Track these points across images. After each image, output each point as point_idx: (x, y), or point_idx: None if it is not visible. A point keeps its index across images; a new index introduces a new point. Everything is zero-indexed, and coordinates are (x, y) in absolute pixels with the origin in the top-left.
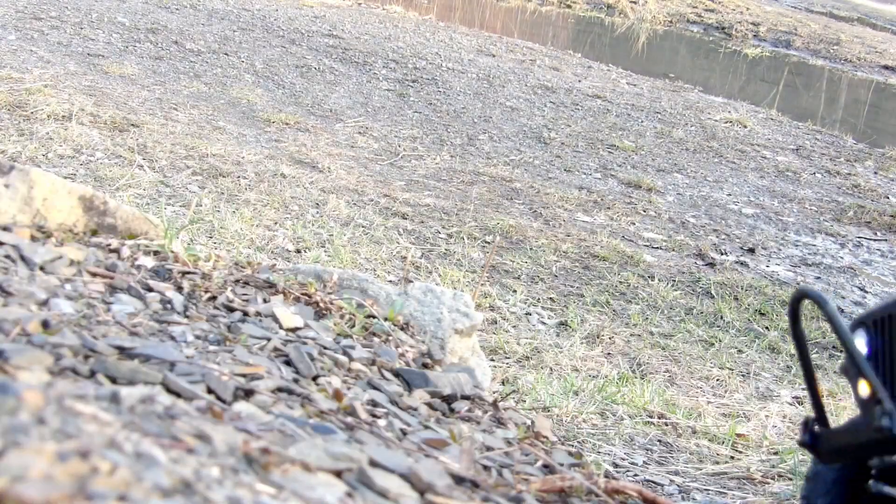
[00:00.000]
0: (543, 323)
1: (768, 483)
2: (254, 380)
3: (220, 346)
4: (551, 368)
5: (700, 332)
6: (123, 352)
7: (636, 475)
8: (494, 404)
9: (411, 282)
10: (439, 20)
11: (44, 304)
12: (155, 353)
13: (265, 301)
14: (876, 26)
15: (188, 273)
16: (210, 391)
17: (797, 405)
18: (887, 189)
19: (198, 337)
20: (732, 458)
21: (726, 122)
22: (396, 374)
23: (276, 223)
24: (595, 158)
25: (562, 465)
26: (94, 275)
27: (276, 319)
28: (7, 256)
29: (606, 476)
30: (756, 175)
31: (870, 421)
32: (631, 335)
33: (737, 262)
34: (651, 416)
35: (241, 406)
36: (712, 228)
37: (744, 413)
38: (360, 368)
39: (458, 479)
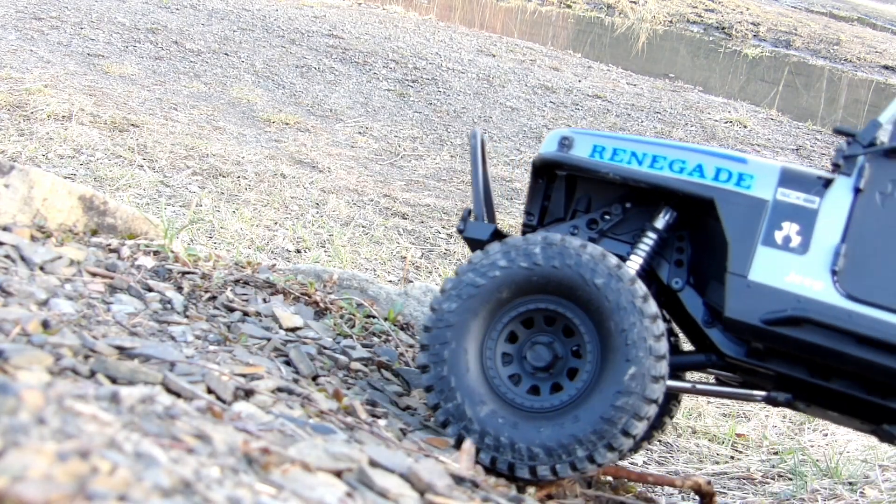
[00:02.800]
0: None
1: (768, 483)
2: (254, 380)
3: (220, 346)
4: None
5: None
6: (123, 352)
7: None
8: None
9: (411, 282)
10: (439, 20)
11: (44, 304)
12: (155, 353)
13: (265, 301)
14: (876, 26)
15: (188, 273)
16: (210, 391)
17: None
18: None
19: (198, 337)
20: (732, 458)
21: (726, 122)
22: (396, 374)
23: (276, 223)
24: None
25: None
26: (94, 275)
27: (276, 319)
28: (7, 256)
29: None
30: None
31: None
32: None
33: None
34: None
35: (241, 406)
36: None
37: (744, 413)
38: (360, 368)
39: (458, 479)
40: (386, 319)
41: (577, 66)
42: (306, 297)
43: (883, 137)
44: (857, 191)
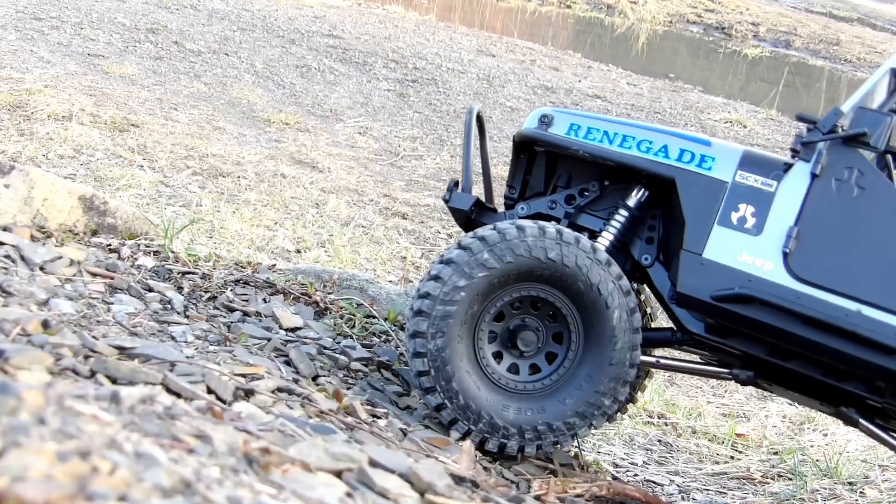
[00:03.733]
0: None
1: (768, 483)
2: (254, 380)
3: (220, 346)
4: None
5: None
6: (123, 352)
7: (636, 475)
8: None
9: (411, 282)
10: (439, 20)
11: (44, 304)
12: (155, 353)
13: (265, 301)
14: (876, 26)
15: (188, 273)
16: (210, 391)
17: (797, 405)
18: None
19: (198, 337)
20: (732, 458)
21: (726, 122)
22: (396, 374)
23: (276, 223)
24: None
25: (563, 465)
26: (94, 275)
27: (276, 319)
28: (7, 256)
29: (612, 478)
30: None
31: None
32: None
33: None
34: (651, 416)
35: (241, 406)
36: None
37: (744, 413)
38: (360, 368)
39: (458, 479)
40: (386, 319)
41: (577, 67)
42: (306, 297)
43: (843, 125)
44: (813, 176)
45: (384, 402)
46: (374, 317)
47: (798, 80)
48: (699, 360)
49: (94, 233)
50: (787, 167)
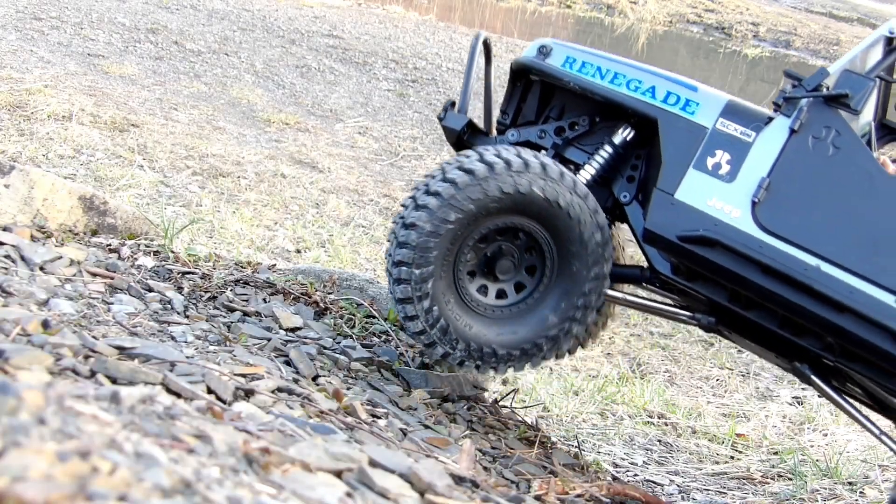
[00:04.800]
0: None
1: (768, 483)
2: (254, 380)
3: (220, 346)
4: (551, 368)
5: (699, 332)
6: (123, 352)
7: (636, 475)
8: (494, 404)
9: None
10: (439, 20)
11: (44, 304)
12: (155, 353)
13: (265, 301)
14: (876, 26)
15: (188, 273)
16: (210, 391)
17: (797, 405)
18: None
19: (198, 337)
20: (732, 458)
21: None
22: (396, 374)
23: (276, 223)
24: None
25: (563, 465)
26: (94, 275)
27: (276, 319)
28: (7, 256)
29: (612, 479)
30: None
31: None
32: (631, 335)
33: None
34: (651, 416)
35: (241, 406)
36: None
37: (744, 413)
38: (360, 368)
39: (458, 479)
40: (386, 319)
41: None
42: (306, 297)
43: (828, 85)
44: (791, 131)
45: (384, 402)
46: (374, 317)
47: None
48: (666, 303)
49: (94, 233)
50: (769, 121)
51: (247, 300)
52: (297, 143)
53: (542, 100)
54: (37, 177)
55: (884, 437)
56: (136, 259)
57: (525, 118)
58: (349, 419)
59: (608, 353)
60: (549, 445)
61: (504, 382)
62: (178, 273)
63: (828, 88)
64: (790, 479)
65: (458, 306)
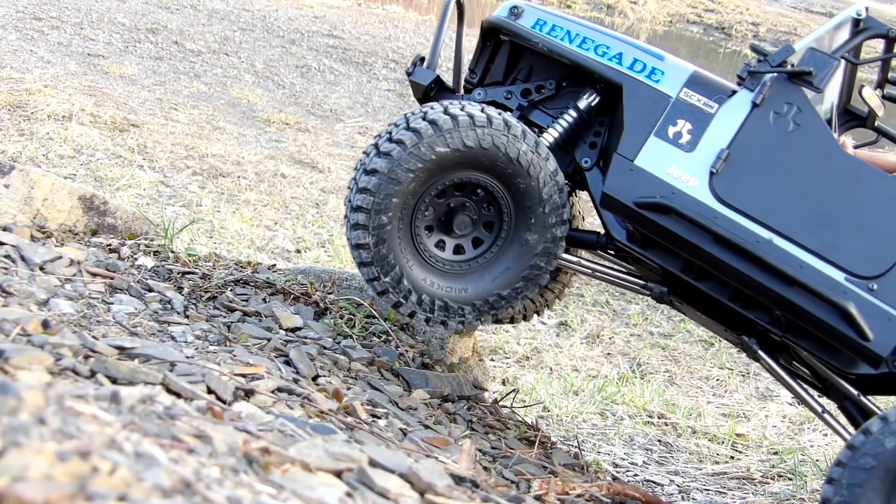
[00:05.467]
0: (543, 323)
1: (768, 483)
2: (254, 380)
3: (220, 346)
4: (551, 368)
5: (700, 332)
6: (123, 352)
7: (636, 475)
8: (494, 404)
9: None
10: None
11: (44, 304)
12: (155, 353)
13: (265, 301)
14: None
15: (188, 273)
16: (210, 391)
17: (797, 405)
18: None
19: (198, 337)
20: (732, 458)
21: None
22: (396, 374)
23: (276, 223)
24: None
25: (562, 465)
26: (94, 275)
27: (276, 319)
28: (7, 256)
29: (612, 479)
30: None
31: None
32: (631, 335)
33: None
34: (651, 416)
35: (241, 406)
36: None
37: (744, 413)
38: (360, 368)
39: (458, 479)
40: (386, 319)
41: None
42: (306, 297)
43: (792, 62)
44: (754, 105)
45: (384, 402)
46: (374, 317)
47: None
48: (621, 270)
49: (94, 233)
50: (732, 93)
51: (247, 300)
52: (297, 143)
53: (511, 61)
54: (37, 177)
55: (826, 416)
56: (136, 259)
57: (493, 78)
58: (349, 419)
59: (608, 353)
60: (549, 445)
61: (504, 383)
62: (178, 273)
63: (792, 65)
64: (790, 479)
65: (413, 257)
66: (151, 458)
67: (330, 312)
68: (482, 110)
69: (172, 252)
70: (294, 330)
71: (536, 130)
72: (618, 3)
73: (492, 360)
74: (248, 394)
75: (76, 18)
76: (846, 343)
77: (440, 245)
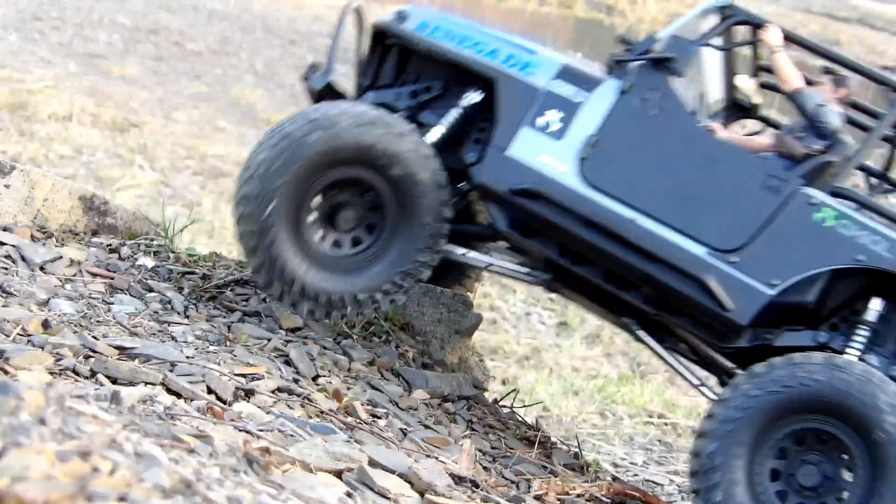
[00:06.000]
0: (543, 323)
1: None
2: (254, 380)
3: (220, 346)
4: (551, 368)
5: None
6: (123, 352)
7: (636, 475)
8: (494, 404)
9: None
10: None
11: (44, 304)
12: (155, 353)
13: (265, 301)
14: (876, 27)
15: (188, 273)
16: (210, 391)
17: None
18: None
19: (198, 337)
20: None
21: None
22: (396, 374)
23: None
24: None
25: (562, 465)
26: (94, 275)
27: (276, 319)
28: (7, 256)
29: (612, 479)
30: None
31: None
32: None
33: None
34: (651, 416)
35: (242, 406)
36: None
37: None
38: (360, 368)
39: (458, 479)
40: (386, 319)
41: None
42: None
43: (657, 51)
44: (621, 93)
45: (384, 402)
46: (374, 317)
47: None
48: (513, 262)
49: (94, 233)
50: (601, 83)
51: (247, 300)
52: None
53: (400, 64)
54: (37, 177)
55: (702, 388)
56: (136, 259)
57: (383, 81)
58: (349, 419)
59: (608, 353)
60: (549, 445)
61: (504, 383)
62: (178, 273)
63: (656, 53)
64: None
65: (298, 249)
66: (152, 458)
67: None
68: (365, 109)
69: (172, 252)
70: (294, 330)
71: (426, 130)
72: (618, 3)
73: (492, 360)
74: (249, 394)
75: (77, 19)
76: (709, 314)
77: (324, 239)
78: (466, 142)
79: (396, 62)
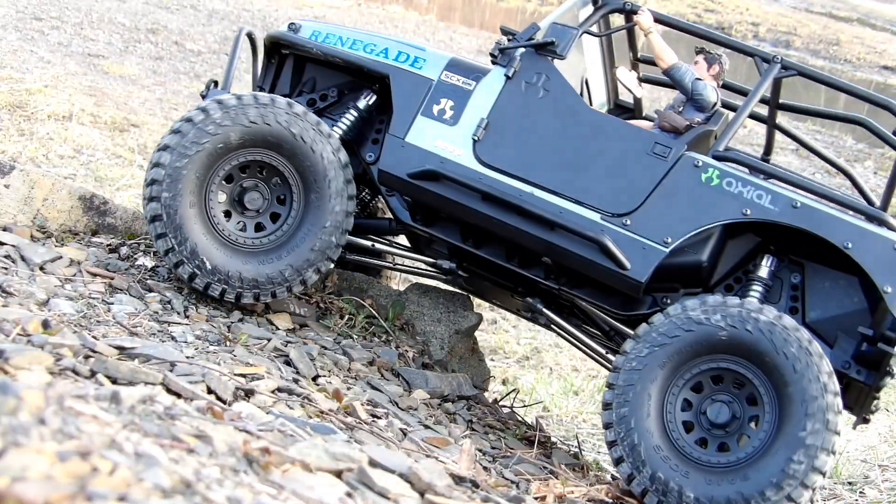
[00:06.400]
0: None
1: None
2: (254, 380)
3: (220, 346)
4: (551, 368)
5: None
6: (123, 352)
7: None
8: (494, 404)
9: (412, 282)
10: (439, 20)
11: (44, 304)
12: (155, 353)
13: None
14: (876, 27)
15: None
16: (210, 391)
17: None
18: None
19: (198, 337)
20: None
21: None
22: (396, 374)
23: None
24: None
25: (562, 465)
26: (94, 275)
27: (275, 320)
28: (7, 256)
29: (612, 478)
30: None
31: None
32: None
33: None
34: None
35: (242, 406)
36: None
37: None
38: (360, 368)
39: (458, 479)
40: (386, 319)
41: None
42: (306, 298)
43: (539, 38)
44: (507, 78)
45: (384, 402)
46: (374, 317)
47: (798, 79)
48: (410, 256)
49: (94, 233)
50: (488, 72)
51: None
52: None
53: (295, 74)
54: (37, 177)
55: (600, 358)
56: (135, 259)
57: (280, 92)
58: (349, 419)
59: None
60: (549, 445)
61: (504, 383)
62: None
63: (537, 40)
64: None
65: (206, 231)
66: (151, 458)
67: (330, 313)
68: (263, 94)
69: None
70: (294, 330)
71: None
72: None
73: (492, 360)
74: (248, 394)
75: (76, 18)
76: (608, 277)
77: (233, 221)
78: (364, 143)
79: (292, 72)
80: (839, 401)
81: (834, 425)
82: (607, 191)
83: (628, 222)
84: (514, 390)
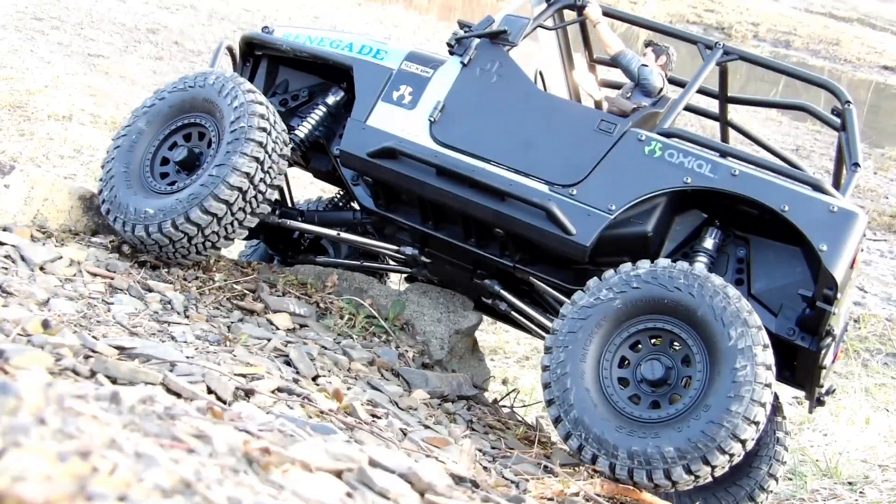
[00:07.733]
0: None
1: None
2: (254, 380)
3: (220, 346)
4: None
5: None
6: (123, 352)
7: None
8: (494, 404)
9: (411, 282)
10: (439, 20)
11: (44, 304)
12: (155, 353)
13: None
14: (876, 27)
15: (188, 272)
16: (210, 391)
17: (797, 405)
18: (887, 189)
19: (198, 337)
20: None
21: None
22: (396, 374)
23: None
24: None
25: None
26: (94, 275)
27: (275, 319)
28: (7, 256)
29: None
30: None
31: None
32: None
33: None
34: None
35: (242, 406)
36: None
37: None
38: (360, 368)
39: (458, 479)
40: (386, 319)
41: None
42: (306, 297)
43: (493, 28)
44: (463, 65)
45: (384, 402)
46: (374, 317)
47: (798, 79)
48: (382, 245)
49: (94, 233)
50: (445, 62)
51: (241, 298)
52: None
53: (269, 75)
54: (37, 177)
55: (539, 330)
56: (136, 259)
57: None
58: (349, 419)
59: None
60: (549, 445)
61: (504, 383)
62: (178, 272)
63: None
64: (790, 479)
65: (140, 187)
66: (151, 458)
67: (330, 312)
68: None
69: None
70: (294, 330)
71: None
72: (618, 3)
73: (492, 360)
74: (248, 394)
75: (76, 18)
76: (556, 241)
77: (164, 165)
78: (333, 139)
79: (266, 74)
80: (771, 358)
81: (759, 396)
82: (555, 164)
83: (574, 192)
84: (514, 390)
